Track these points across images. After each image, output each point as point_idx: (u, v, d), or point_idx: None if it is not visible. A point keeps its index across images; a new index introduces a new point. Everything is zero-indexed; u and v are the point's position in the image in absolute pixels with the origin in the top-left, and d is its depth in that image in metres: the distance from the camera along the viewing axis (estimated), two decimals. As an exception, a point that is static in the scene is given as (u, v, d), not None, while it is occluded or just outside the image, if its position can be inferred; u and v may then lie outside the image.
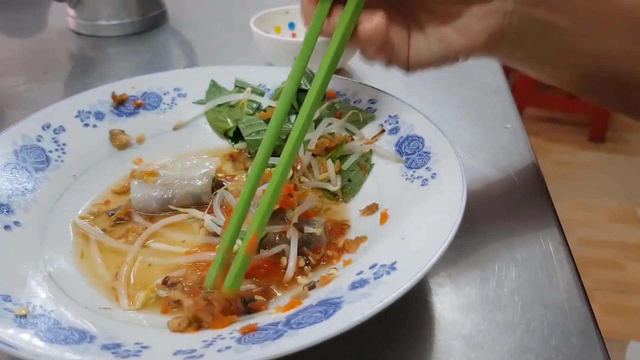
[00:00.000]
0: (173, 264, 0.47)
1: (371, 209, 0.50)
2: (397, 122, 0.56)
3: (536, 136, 2.51)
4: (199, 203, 0.53)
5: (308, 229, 0.47)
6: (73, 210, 0.52)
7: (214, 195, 0.52)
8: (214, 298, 0.41)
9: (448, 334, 0.42)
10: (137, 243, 0.48)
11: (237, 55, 0.91)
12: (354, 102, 0.61)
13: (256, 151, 0.58)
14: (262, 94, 0.64)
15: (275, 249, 0.46)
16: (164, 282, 0.44)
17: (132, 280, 0.46)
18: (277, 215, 0.48)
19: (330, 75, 0.48)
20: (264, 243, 0.47)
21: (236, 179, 0.56)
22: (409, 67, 0.51)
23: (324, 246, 0.47)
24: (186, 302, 0.40)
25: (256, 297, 0.43)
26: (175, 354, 0.35)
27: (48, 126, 0.56)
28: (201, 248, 0.48)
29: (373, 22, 0.45)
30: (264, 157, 0.46)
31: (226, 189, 0.53)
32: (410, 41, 0.49)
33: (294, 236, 0.46)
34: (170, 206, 0.53)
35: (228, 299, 0.41)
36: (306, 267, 0.46)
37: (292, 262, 0.45)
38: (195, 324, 0.39)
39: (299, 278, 0.45)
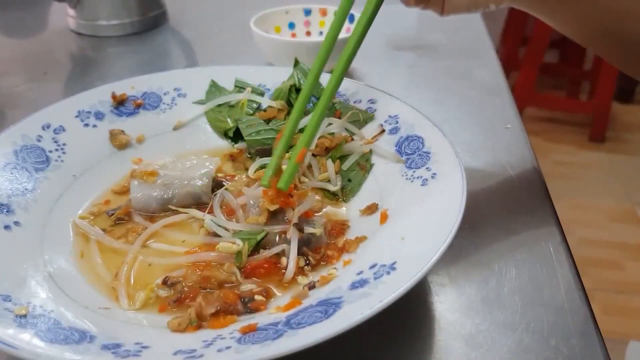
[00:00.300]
0: (173, 264, 0.47)
1: (371, 209, 0.50)
2: (397, 122, 0.56)
3: (536, 136, 2.51)
4: (199, 203, 0.53)
5: (308, 229, 0.47)
6: (73, 210, 0.52)
7: (214, 195, 0.52)
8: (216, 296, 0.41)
9: (448, 334, 0.42)
10: (137, 243, 0.48)
11: (237, 55, 0.91)
12: (354, 102, 0.61)
13: (256, 151, 0.58)
14: (262, 94, 0.64)
15: (276, 249, 0.46)
16: (164, 282, 0.44)
17: (132, 281, 0.46)
18: (277, 216, 0.48)
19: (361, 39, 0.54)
20: (263, 243, 0.47)
21: (236, 179, 0.56)
22: (443, 11, 0.55)
23: (324, 246, 0.47)
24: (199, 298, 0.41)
25: (256, 297, 0.43)
26: (175, 354, 0.35)
27: (48, 126, 0.56)
28: (201, 248, 0.48)
29: None
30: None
31: (226, 189, 0.53)
32: None
33: (294, 236, 0.46)
34: (170, 206, 0.53)
35: (228, 299, 0.41)
36: (306, 267, 0.46)
37: (292, 262, 0.45)
38: (196, 323, 0.39)
39: (299, 278, 0.45)
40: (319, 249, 0.47)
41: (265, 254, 0.46)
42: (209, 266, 0.46)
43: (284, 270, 0.45)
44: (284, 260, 0.46)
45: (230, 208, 0.51)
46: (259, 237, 0.47)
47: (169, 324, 0.40)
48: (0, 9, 1.12)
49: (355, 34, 0.54)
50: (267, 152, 0.58)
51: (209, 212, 0.51)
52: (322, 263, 0.46)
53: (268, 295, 0.43)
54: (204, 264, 0.46)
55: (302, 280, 0.44)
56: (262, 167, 0.57)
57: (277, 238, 0.47)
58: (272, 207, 0.47)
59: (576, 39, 0.57)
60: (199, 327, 0.39)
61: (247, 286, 0.44)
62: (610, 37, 0.54)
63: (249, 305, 0.42)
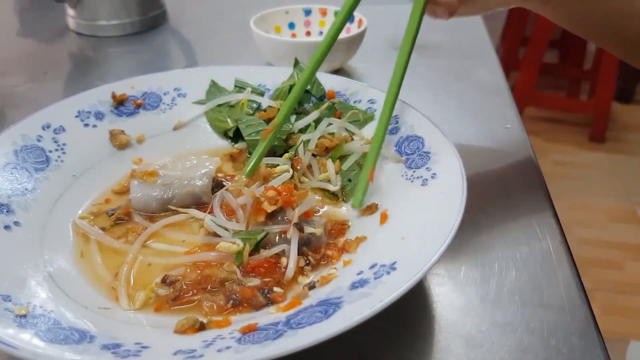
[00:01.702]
0: (172, 264, 0.47)
1: (371, 209, 0.50)
2: (397, 122, 0.56)
3: (536, 136, 2.51)
4: (199, 203, 0.53)
5: (308, 229, 0.47)
6: (73, 210, 0.52)
7: (214, 195, 0.52)
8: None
9: (448, 334, 0.42)
10: (137, 243, 0.48)
11: (237, 55, 0.91)
12: (354, 102, 0.61)
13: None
14: (262, 94, 0.64)
15: (276, 249, 0.46)
16: (163, 281, 0.44)
17: (132, 281, 0.46)
18: (277, 215, 0.48)
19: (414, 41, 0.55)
20: (264, 243, 0.47)
21: (236, 179, 0.56)
22: (453, 14, 0.57)
23: (324, 246, 0.47)
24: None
25: (274, 288, 0.43)
26: (175, 354, 0.35)
27: (48, 126, 0.56)
28: (201, 248, 0.48)
29: None
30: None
31: (226, 189, 0.53)
32: None
33: (294, 236, 0.46)
34: (170, 206, 0.53)
35: (245, 294, 0.42)
36: (306, 267, 0.46)
37: (292, 262, 0.45)
38: (199, 325, 0.39)
39: (299, 278, 0.45)
40: (319, 249, 0.47)
41: (265, 253, 0.46)
42: (209, 266, 0.46)
43: (284, 270, 0.45)
44: (284, 260, 0.46)
45: (230, 208, 0.51)
46: (258, 237, 0.47)
47: (177, 324, 0.39)
48: (0, 9, 1.13)
49: (404, 49, 0.55)
50: (267, 153, 0.58)
51: (209, 212, 0.51)
52: (322, 263, 0.46)
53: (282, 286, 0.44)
54: (204, 263, 0.46)
55: (302, 280, 0.44)
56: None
57: (277, 238, 0.47)
58: (270, 209, 0.47)
59: (579, 34, 0.60)
60: (201, 327, 0.39)
61: (252, 281, 0.44)
62: (611, 33, 0.56)
63: (269, 296, 0.42)
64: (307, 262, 0.46)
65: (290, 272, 0.45)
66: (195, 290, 0.43)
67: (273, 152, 0.58)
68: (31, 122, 0.56)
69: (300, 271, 0.45)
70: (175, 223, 0.51)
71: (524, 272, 0.47)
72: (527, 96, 2.46)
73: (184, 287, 0.44)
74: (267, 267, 0.45)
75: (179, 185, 0.53)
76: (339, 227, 0.50)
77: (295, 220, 0.47)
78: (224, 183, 0.56)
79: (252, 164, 0.55)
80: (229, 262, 0.45)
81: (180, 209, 0.52)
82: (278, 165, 0.56)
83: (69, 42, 0.97)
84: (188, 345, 0.36)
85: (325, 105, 0.60)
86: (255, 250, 0.47)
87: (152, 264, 0.47)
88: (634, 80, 2.73)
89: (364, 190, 0.51)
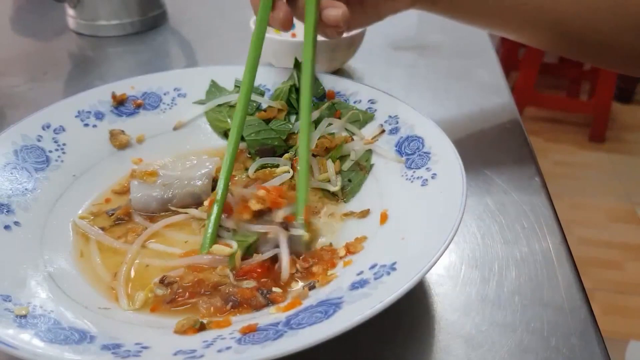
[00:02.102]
0: (170, 266, 0.46)
1: (364, 214, 0.50)
2: (397, 122, 0.56)
3: (536, 136, 2.51)
4: (199, 203, 0.53)
5: (295, 231, 0.47)
6: (73, 210, 0.52)
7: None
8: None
9: (448, 334, 0.42)
10: (137, 243, 0.48)
11: (237, 55, 0.91)
12: (354, 102, 0.61)
13: (256, 151, 0.58)
14: (262, 94, 0.64)
15: (269, 253, 0.46)
16: (161, 281, 0.44)
17: (132, 281, 0.45)
18: (263, 217, 0.48)
19: (314, 61, 0.54)
20: (257, 247, 0.47)
21: (236, 178, 0.56)
22: (349, 26, 0.58)
23: (311, 256, 0.47)
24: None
25: (274, 289, 0.43)
26: (175, 354, 0.35)
27: (48, 126, 0.56)
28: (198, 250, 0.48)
29: (340, 11, 0.53)
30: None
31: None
32: (349, 5, 0.55)
33: (282, 235, 0.46)
34: (170, 206, 0.53)
35: (244, 295, 0.42)
36: (296, 274, 0.45)
37: (285, 261, 0.45)
38: (199, 325, 0.39)
39: (292, 284, 0.45)
40: (307, 259, 0.47)
41: (258, 258, 0.46)
42: (203, 269, 0.45)
43: (279, 271, 0.45)
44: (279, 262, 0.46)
45: (230, 207, 0.51)
46: (250, 241, 0.47)
47: (177, 324, 0.39)
48: (0, 9, 1.13)
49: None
50: (267, 152, 0.58)
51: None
52: (311, 271, 0.45)
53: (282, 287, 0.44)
54: (199, 266, 0.46)
55: (295, 286, 0.44)
56: (263, 167, 0.57)
57: (267, 241, 0.47)
58: (256, 207, 0.47)
59: (484, 29, 0.65)
60: (201, 328, 0.39)
61: (248, 283, 0.44)
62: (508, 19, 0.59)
63: (268, 297, 0.42)
64: (296, 269, 0.46)
65: (285, 272, 0.45)
66: (190, 293, 0.43)
67: (273, 152, 0.58)
68: (31, 122, 0.56)
69: (292, 277, 0.45)
70: (176, 223, 0.51)
71: (524, 272, 0.47)
72: (527, 96, 2.46)
73: (179, 290, 0.44)
74: (260, 271, 0.45)
75: (179, 185, 0.53)
76: (330, 259, 0.47)
77: (279, 219, 0.47)
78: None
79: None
80: (222, 265, 0.45)
81: (180, 210, 0.52)
82: (278, 165, 0.56)
83: (69, 42, 0.97)
84: (188, 346, 0.36)
85: (325, 105, 0.60)
86: (247, 254, 0.46)
87: (150, 265, 0.47)
88: (634, 80, 2.73)
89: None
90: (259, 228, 0.47)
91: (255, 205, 0.47)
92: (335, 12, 0.53)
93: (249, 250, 0.47)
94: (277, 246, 0.46)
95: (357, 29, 0.60)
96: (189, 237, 0.50)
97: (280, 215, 0.47)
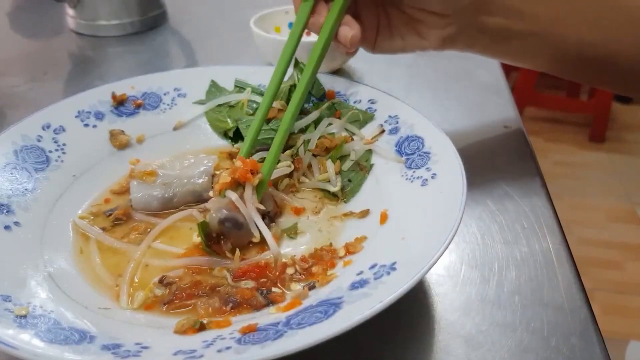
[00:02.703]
0: (169, 266, 0.46)
1: (364, 214, 0.50)
2: (397, 122, 0.56)
3: (536, 136, 2.51)
4: (201, 201, 0.53)
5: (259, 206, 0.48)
6: (73, 210, 0.52)
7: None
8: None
9: (448, 334, 0.42)
10: (146, 241, 0.48)
11: (237, 55, 0.91)
12: (354, 102, 0.61)
13: (256, 151, 0.58)
14: (262, 94, 0.64)
15: (266, 254, 0.46)
16: (160, 281, 0.44)
17: (137, 279, 0.45)
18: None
19: (319, 64, 0.56)
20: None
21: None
22: (374, 50, 0.60)
23: (310, 256, 0.47)
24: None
25: (273, 289, 0.43)
26: (175, 354, 0.35)
27: (48, 126, 0.56)
28: (198, 250, 0.48)
29: (350, 33, 0.55)
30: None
31: (220, 172, 0.53)
32: (378, 30, 0.58)
33: (251, 208, 0.47)
34: (172, 205, 0.53)
35: (244, 295, 0.42)
36: (295, 274, 0.45)
37: (267, 235, 0.46)
38: (199, 325, 0.39)
39: (292, 285, 0.44)
40: (307, 259, 0.47)
41: (255, 258, 0.46)
42: (201, 270, 0.45)
43: (276, 271, 0.45)
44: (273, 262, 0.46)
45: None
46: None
47: (177, 324, 0.39)
48: (0, 9, 1.13)
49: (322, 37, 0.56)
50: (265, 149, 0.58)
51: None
52: (311, 271, 0.45)
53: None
54: (198, 267, 0.46)
55: (295, 286, 0.44)
56: (261, 160, 0.57)
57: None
58: (226, 179, 0.48)
59: (533, 68, 0.62)
60: (201, 328, 0.39)
61: (247, 284, 0.44)
62: (576, 64, 0.58)
63: (268, 297, 0.42)
64: (295, 270, 0.46)
65: (274, 248, 0.45)
66: (187, 295, 0.43)
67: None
68: (31, 122, 0.56)
69: (290, 278, 0.45)
70: (183, 219, 0.51)
71: (524, 272, 0.47)
72: (527, 96, 2.46)
73: (176, 291, 0.43)
74: (257, 271, 0.45)
75: (179, 184, 0.53)
76: (330, 260, 0.47)
77: (249, 195, 0.47)
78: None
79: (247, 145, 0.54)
80: (219, 267, 0.45)
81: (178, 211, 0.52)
82: (279, 161, 0.56)
83: (69, 42, 0.97)
84: (188, 346, 0.36)
85: (325, 105, 0.60)
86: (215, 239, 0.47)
87: (150, 265, 0.47)
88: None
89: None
90: (223, 201, 0.48)
91: (226, 178, 0.48)
92: (347, 32, 0.55)
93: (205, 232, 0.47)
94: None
95: (383, 53, 0.60)
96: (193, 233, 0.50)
97: (248, 190, 0.48)
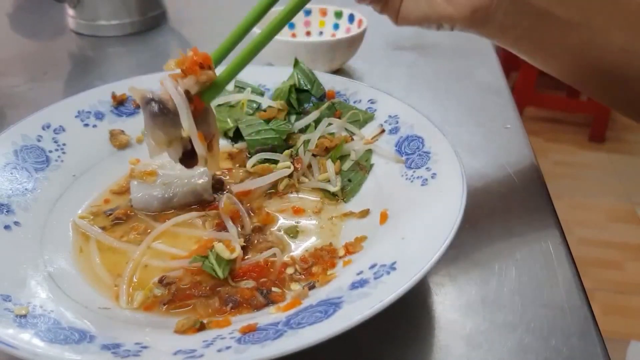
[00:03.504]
0: (169, 267, 0.46)
1: (363, 214, 0.50)
2: (397, 122, 0.56)
3: (536, 136, 2.51)
4: (201, 201, 0.53)
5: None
6: (73, 210, 0.52)
7: (219, 198, 0.52)
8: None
9: (448, 334, 0.42)
10: (145, 242, 0.48)
11: (237, 56, 0.91)
12: (354, 102, 0.61)
13: (256, 151, 0.58)
14: (262, 94, 0.64)
15: (267, 253, 0.46)
16: (160, 281, 0.44)
17: (136, 279, 0.45)
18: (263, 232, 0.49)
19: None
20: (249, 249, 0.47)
21: (233, 171, 0.57)
22: (397, 20, 0.53)
23: (310, 256, 0.47)
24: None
25: (273, 289, 0.43)
26: (175, 354, 0.35)
27: (48, 126, 0.56)
28: (202, 248, 0.48)
29: None
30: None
31: (229, 190, 0.53)
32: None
33: (181, 98, 0.45)
34: (172, 205, 0.53)
35: (244, 295, 0.42)
36: (295, 274, 0.45)
37: (193, 133, 0.44)
38: (199, 325, 0.39)
39: (292, 284, 0.44)
40: (307, 259, 0.47)
41: (255, 257, 0.46)
42: (201, 271, 0.45)
43: (272, 270, 0.45)
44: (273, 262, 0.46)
45: (235, 211, 0.50)
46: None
47: (177, 324, 0.39)
48: (0, 9, 1.13)
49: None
50: (267, 150, 0.58)
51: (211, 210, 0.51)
52: (311, 271, 0.45)
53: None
54: (197, 268, 0.46)
55: (295, 286, 0.44)
56: (261, 162, 0.57)
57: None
58: (173, 67, 0.46)
59: (559, 76, 0.56)
60: (201, 327, 0.39)
61: (247, 284, 0.44)
62: (591, 71, 0.53)
63: (268, 297, 0.42)
64: (295, 269, 0.46)
65: (199, 149, 0.44)
66: (186, 295, 0.43)
67: (273, 150, 0.58)
68: (31, 122, 0.56)
69: (290, 278, 0.45)
70: (183, 222, 0.51)
71: (524, 272, 0.47)
72: (527, 96, 2.46)
73: (176, 292, 0.43)
74: (258, 271, 0.45)
75: (179, 184, 0.53)
76: (330, 260, 0.47)
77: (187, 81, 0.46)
78: (222, 179, 0.56)
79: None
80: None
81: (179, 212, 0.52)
82: (278, 161, 0.56)
83: (69, 42, 0.97)
84: (188, 345, 0.36)
85: (325, 105, 0.60)
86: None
87: (149, 265, 0.47)
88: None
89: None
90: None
91: (170, 65, 0.46)
92: None
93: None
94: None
95: (406, 23, 0.53)
96: (197, 232, 0.50)
97: (190, 83, 0.46)
